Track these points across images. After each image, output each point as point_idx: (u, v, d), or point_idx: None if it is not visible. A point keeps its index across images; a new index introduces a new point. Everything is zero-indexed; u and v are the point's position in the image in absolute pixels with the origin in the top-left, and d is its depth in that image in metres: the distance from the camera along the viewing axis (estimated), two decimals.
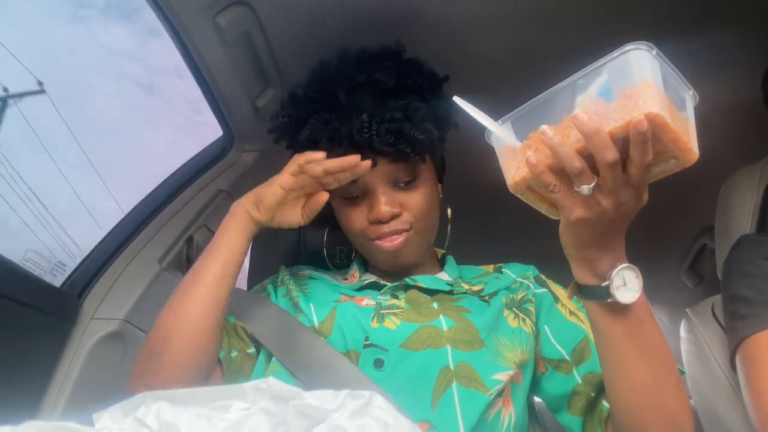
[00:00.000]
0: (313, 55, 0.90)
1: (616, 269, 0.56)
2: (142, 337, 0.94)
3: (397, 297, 0.80)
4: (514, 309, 0.80)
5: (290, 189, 0.75)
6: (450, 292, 0.82)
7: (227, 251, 0.73)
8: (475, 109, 0.56)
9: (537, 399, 0.84)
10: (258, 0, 0.88)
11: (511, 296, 0.82)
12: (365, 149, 0.77)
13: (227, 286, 0.71)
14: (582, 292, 0.59)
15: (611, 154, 0.48)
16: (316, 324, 0.76)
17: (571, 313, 0.80)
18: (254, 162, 1.22)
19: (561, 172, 0.51)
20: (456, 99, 0.57)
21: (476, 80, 1.10)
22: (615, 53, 0.48)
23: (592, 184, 0.50)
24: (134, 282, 0.96)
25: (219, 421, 0.34)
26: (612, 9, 0.94)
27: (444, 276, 0.89)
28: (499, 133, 0.55)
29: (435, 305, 0.77)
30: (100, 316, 0.90)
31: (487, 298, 0.81)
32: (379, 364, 0.69)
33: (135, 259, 0.99)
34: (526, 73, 1.01)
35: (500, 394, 0.70)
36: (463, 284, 0.85)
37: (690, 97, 0.52)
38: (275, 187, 0.75)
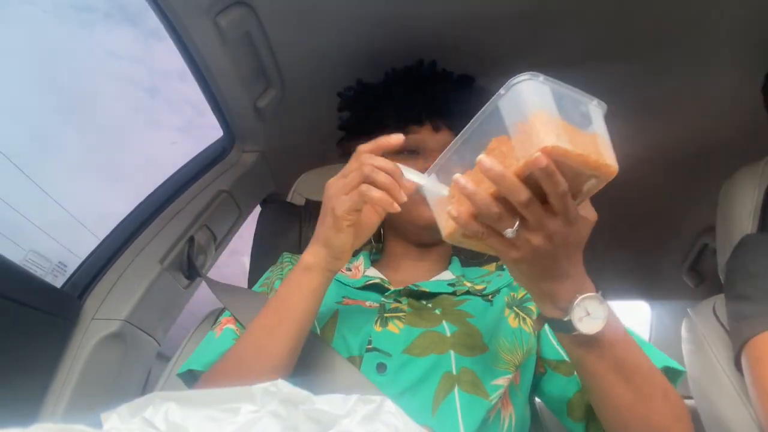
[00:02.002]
0: (314, 54, 0.90)
1: (576, 300, 0.53)
2: (143, 338, 0.94)
3: (400, 302, 0.79)
4: (515, 308, 0.79)
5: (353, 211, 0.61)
6: (453, 293, 0.82)
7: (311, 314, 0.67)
8: (404, 166, 0.58)
9: (538, 400, 0.84)
10: (258, 0, 0.87)
11: (512, 294, 0.82)
12: (428, 119, 0.85)
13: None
14: (549, 324, 0.58)
15: (523, 195, 0.46)
16: (318, 329, 0.75)
17: None
18: (255, 162, 1.22)
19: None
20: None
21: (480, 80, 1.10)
22: (502, 89, 0.46)
23: (515, 226, 0.49)
24: (135, 282, 0.96)
25: (228, 423, 0.34)
26: (613, 12, 0.94)
27: (447, 275, 0.88)
28: (427, 184, 0.55)
29: (437, 311, 0.77)
30: (101, 317, 0.90)
31: (489, 297, 0.81)
32: (381, 368, 0.69)
33: (136, 259, 0.99)
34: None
35: (499, 397, 0.70)
36: (465, 282, 0.85)
37: (594, 108, 0.49)
38: (344, 230, 0.62)
